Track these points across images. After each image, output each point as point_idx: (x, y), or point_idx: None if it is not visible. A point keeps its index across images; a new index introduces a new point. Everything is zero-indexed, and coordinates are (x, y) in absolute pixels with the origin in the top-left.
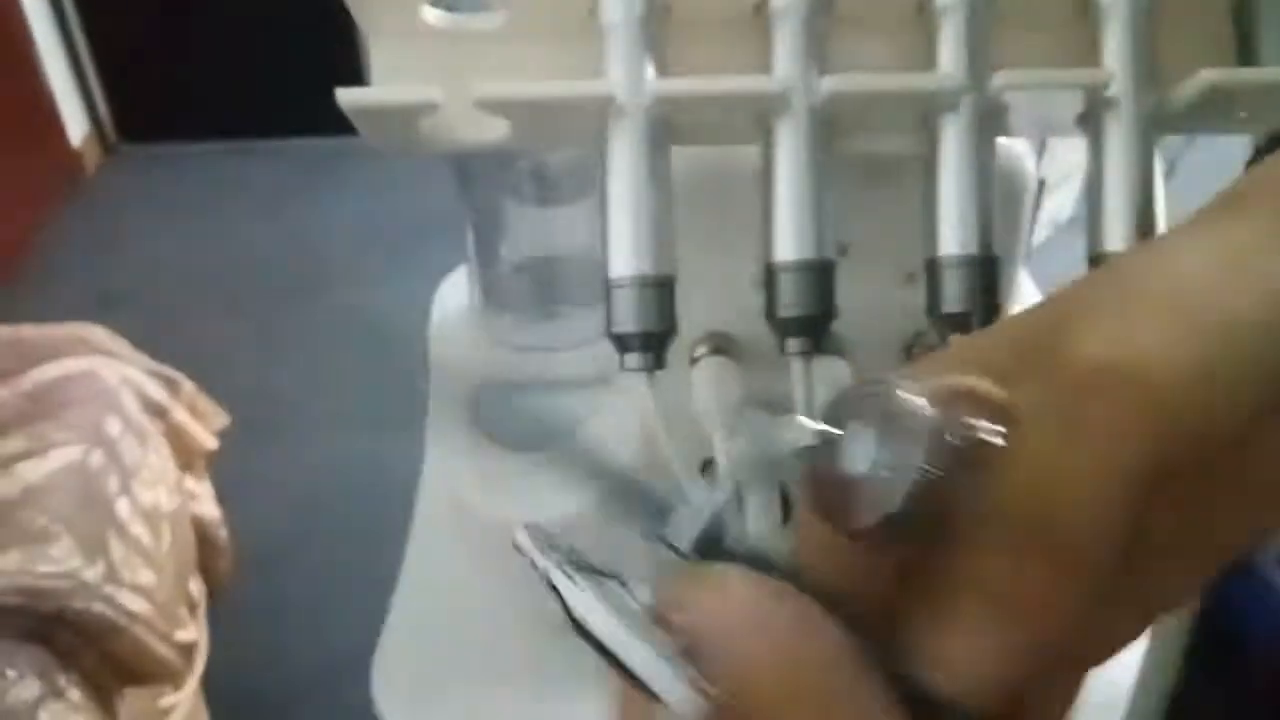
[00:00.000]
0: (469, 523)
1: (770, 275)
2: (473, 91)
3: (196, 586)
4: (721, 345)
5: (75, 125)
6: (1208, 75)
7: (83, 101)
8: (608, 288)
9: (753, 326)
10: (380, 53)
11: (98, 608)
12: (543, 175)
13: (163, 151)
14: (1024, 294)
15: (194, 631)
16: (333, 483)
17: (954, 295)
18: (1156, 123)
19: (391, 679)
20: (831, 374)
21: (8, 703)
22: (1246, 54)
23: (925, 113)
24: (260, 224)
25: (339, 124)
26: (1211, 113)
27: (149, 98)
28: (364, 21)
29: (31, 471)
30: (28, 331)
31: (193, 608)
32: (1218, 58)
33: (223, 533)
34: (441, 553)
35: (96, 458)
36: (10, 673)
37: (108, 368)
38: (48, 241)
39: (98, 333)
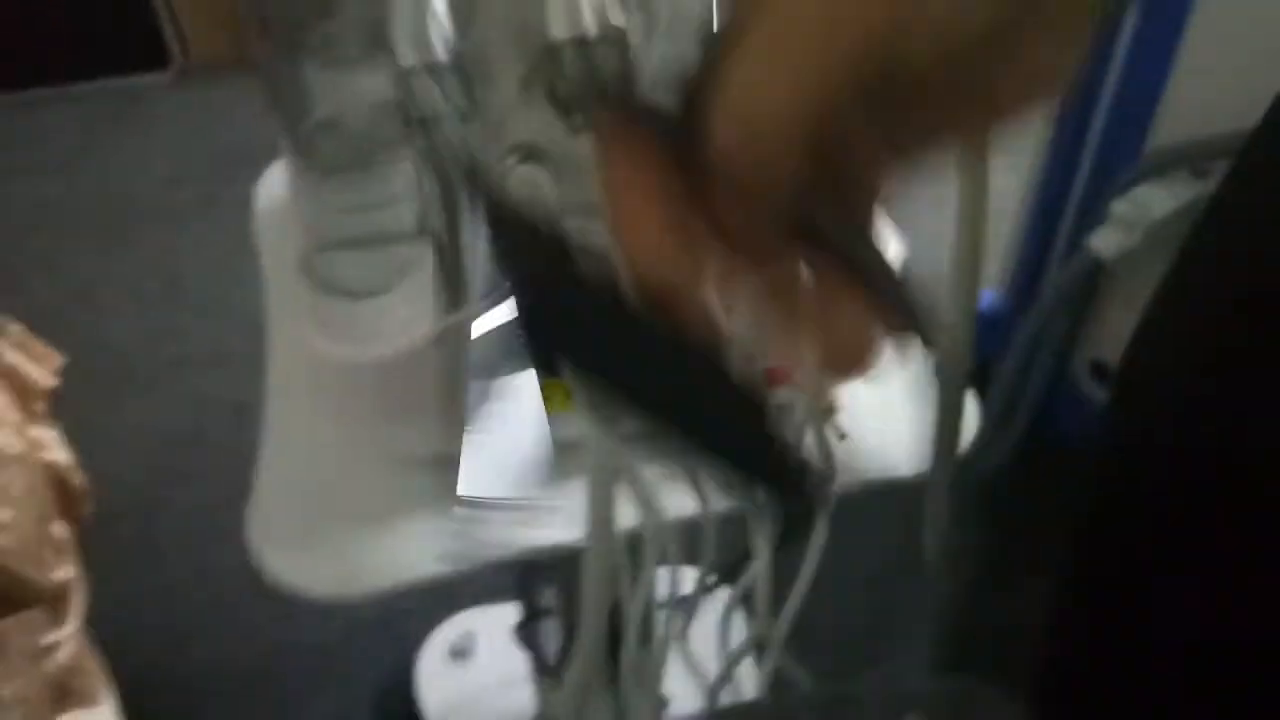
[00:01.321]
0: (318, 371)
1: (550, 53)
2: None
3: (60, 530)
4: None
5: None
6: None
7: None
8: (400, 77)
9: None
10: None
11: None
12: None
13: None
14: None
15: (67, 571)
16: (188, 424)
17: None
18: None
19: (265, 530)
20: None
21: None
22: None
23: None
24: (63, 176)
25: (138, 63)
26: None
27: None
28: None
29: None
30: None
31: (59, 551)
32: None
33: (79, 477)
34: (296, 405)
35: None
36: None
37: None
38: None
39: None
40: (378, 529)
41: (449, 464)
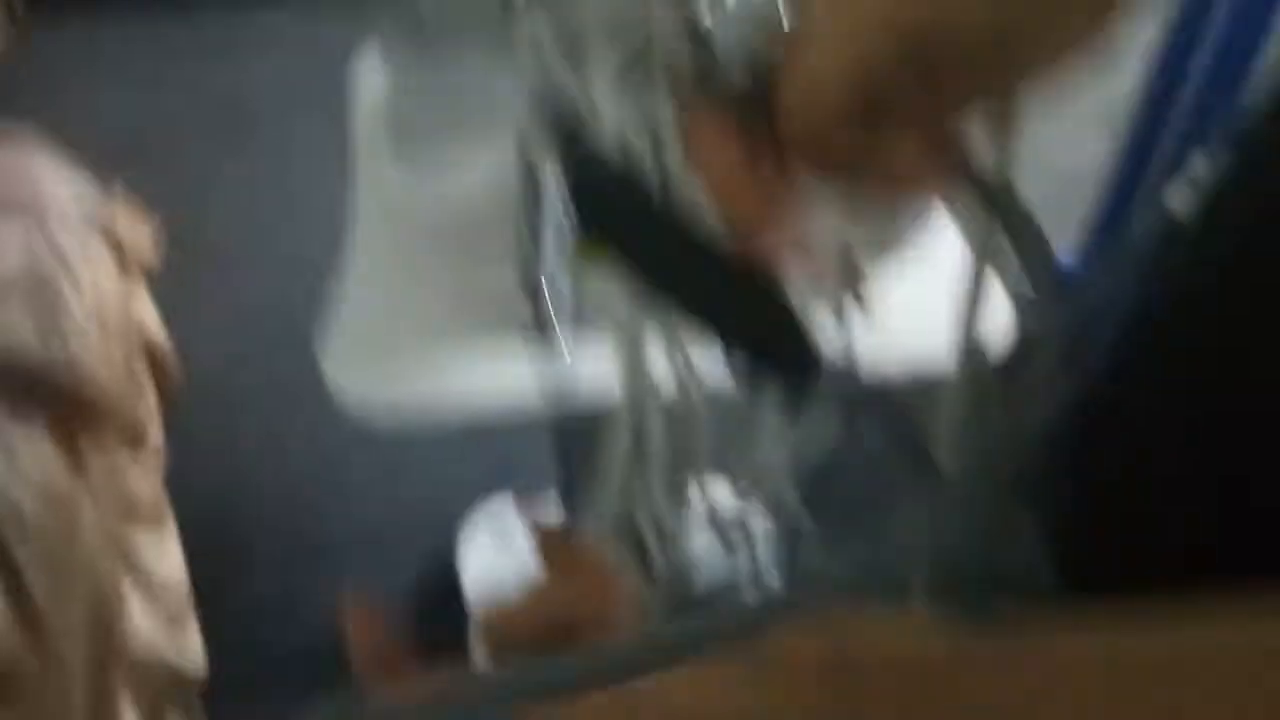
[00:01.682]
0: (394, 207)
1: None
2: None
3: (143, 375)
4: None
5: None
6: None
7: None
8: None
9: None
10: None
11: (56, 356)
12: None
13: (75, 25)
14: None
15: (146, 409)
16: (273, 315)
17: None
18: None
19: (336, 350)
20: None
21: None
22: None
23: None
24: (183, 85)
25: None
26: None
27: None
28: None
29: None
30: None
31: (141, 390)
32: None
33: (167, 346)
34: (373, 239)
35: (40, 248)
36: None
37: (43, 169)
38: None
39: (28, 136)
40: (439, 356)
41: (514, 300)
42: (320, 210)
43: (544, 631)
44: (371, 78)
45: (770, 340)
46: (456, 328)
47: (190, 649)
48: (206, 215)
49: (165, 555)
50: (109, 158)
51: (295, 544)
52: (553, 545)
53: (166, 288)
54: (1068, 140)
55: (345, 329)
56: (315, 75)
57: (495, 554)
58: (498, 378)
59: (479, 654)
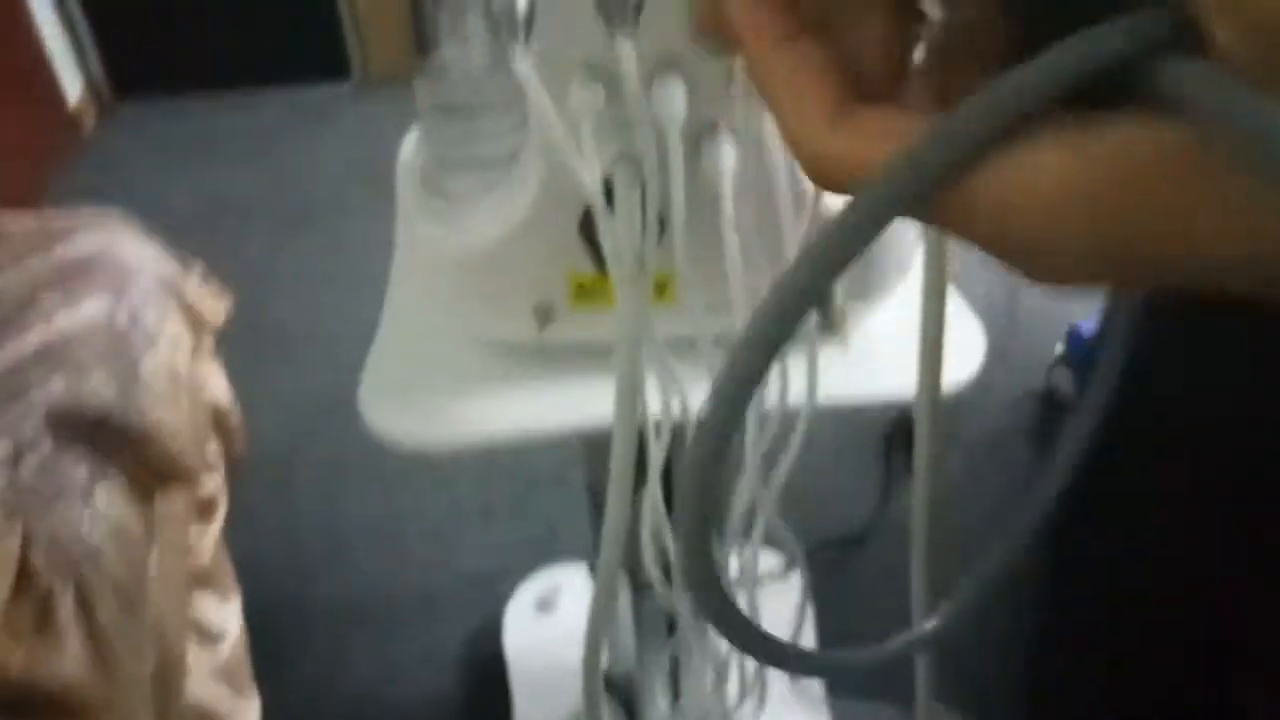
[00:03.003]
0: (424, 256)
1: None
2: None
3: (213, 451)
4: (593, 74)
5: (71, 85)
6: None
7: (77, 60)
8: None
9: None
10: None
11: (134, 419)
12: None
13: (157, 105)
14: None
15: (215, 482)
16: (333, 393)
17: None
18: None
19: (374, 391)
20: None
21: (66, 479)
22: None
23: None
24: (252, 168)
25: (323, 72)
26: None
27: (141, 53)
28: None
29: (66, 319)
30: (52, 214)
31: (211, 464)
32: None
33: (235, 415)
34: (411, 291)
35: (121, 317)
36: (66, 459)
37: (126, 244)
38: (51, 202)
39: (114, 216)
40: (463, 398)
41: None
42: (379, 289)
43: None
44: (411, 149)
45: None
46: (484, 373)
47: (248, 713)
48: (270, 294)
49: (227, 619)
50: (181, 234)
51: (349, 613)
52: None
53: (232, 363)
54: None
55: (379, 367)
56: (376, 154)
57: (540, 626)
58: (520, 417)
59: None
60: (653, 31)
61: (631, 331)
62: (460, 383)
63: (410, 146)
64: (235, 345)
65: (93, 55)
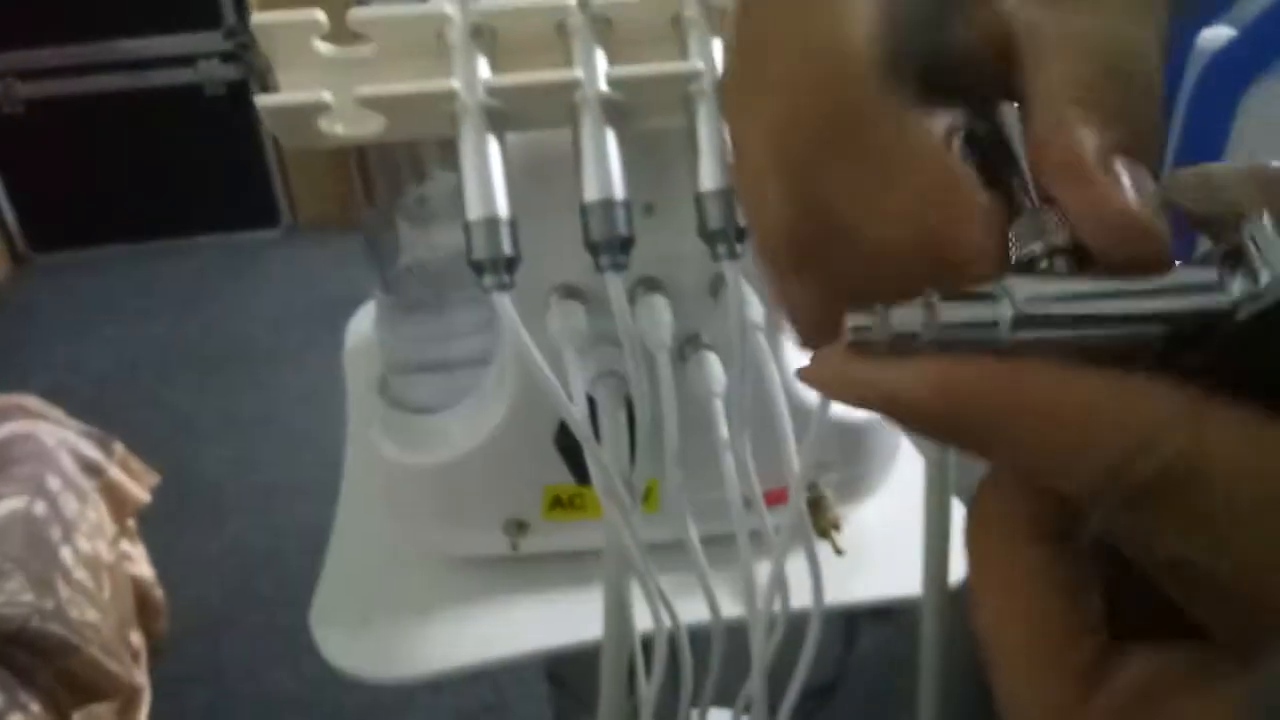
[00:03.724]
0: (384, 476)
1: (584, 212)
2: (356, 93)
3: (137, 638)
4: (570, 293)
5: None
6: None
7: None
8: (467, 229)
9: (593, 277)
10: (286, 76)
11: (54, 628)
12: (424, 198)
13: (77, 257)
14: None
15: (140, 677)
16: (265, 549)
17: (715, 217)
18: None
19: (327, 617)
20: (654, 306)
21: None
22: None
23: (682, 93)
24: (179, 318)
25: (252, 220)
26: None
27: (57, 207)
28: (272, 53)
29: None
30: None
31: (135, 657)
32: None
33: (158, 592)
34: (363, 507)
35: (40, 508)
36: None
37: (45, 430)
38: None
39: (32, 400)
40: (426, 621)
41: (491, 566)
42: (314, 441)
43: None
44: (361, 336)
45: None
46: (435, 589)
47: None
48: (199, 449)
49: None
50: (104, 390)
51: None
52: None
53: (159, 527)
54: None
55: (330, 591)
56: (306, 299)
57: None
58: (489, 640)
59: None
60: (637, 256)
61: (621, 564)
62: (422, 604)
63: (360, 332)
64: (162, 507)
65: (7, 209)
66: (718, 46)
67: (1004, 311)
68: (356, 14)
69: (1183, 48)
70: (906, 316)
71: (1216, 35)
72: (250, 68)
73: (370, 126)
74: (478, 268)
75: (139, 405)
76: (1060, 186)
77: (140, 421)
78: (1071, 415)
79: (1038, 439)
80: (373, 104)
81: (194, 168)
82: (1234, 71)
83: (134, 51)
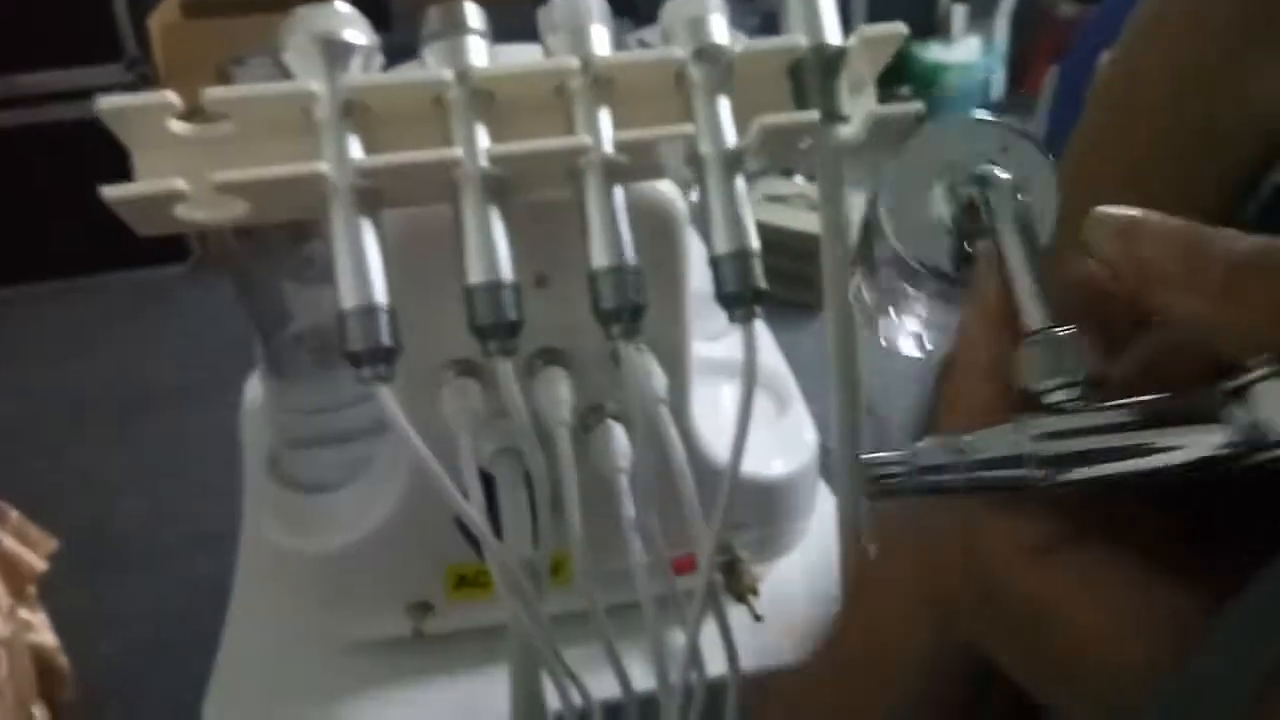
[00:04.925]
0: (279, 560)
1: (468, 295)
2: (213, 179)
3: (40, 712)
4: (465, 369)
5: None
6: (764, 121)
7: None
8: (341, 319)
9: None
10: (142, 160)
11: None
12: (310, 259)
13: None
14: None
15: None
16: (178, 609)
17: (607, 296)
18: (738, 162)
19: (223, 708)
20: (552, 380)
21: None
22: (801, 102)
23: (568, 168)
24: (84, 362)
25: (159, 256)
26: (779, 149)
27: None
28: (125, 136)
29: None
30: None
31: None
32: (779, 108)
33: (62, 660)
34: (258, 592)
35: None
36: None
37: None
38: None
39: None
40: (328, 708)
41: (394, 648)
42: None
43: None
44: (256, 399)
45: None
46: (335, 677)
47: None
48: (107, 499)
49: None
50: (4, 444)
51: None
52: None
53: (67, 584)
54: None
55: (225, 681)
56: (216, 338)
57: None
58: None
59: None
60: (533, 328)
61: (526, 653)
62: (325, 691)
63: (256, 395)
64: (70, 564)
65: None
66: (605, 118)
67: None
68: (213, 94)
69: (1084, 75)
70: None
71: None
72: None
73: (233, 210)
74: (354, 360)
75: (42, 455)
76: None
77: (44, 473)
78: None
79: None
80: (232, 190)
81: (97, 203)
82: None
83: (32, 86)
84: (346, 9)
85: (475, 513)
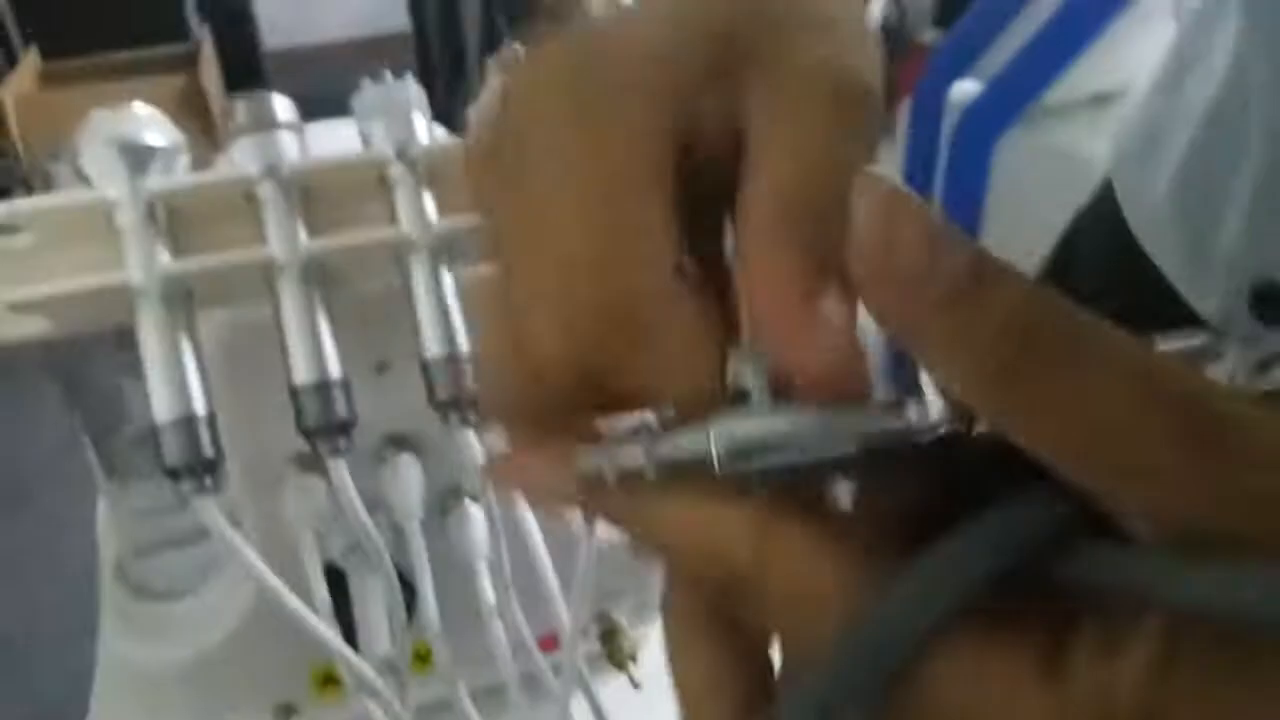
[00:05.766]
0: (131, 672)
1: (294, 396)
2: (6, 298)
3: None
4: (308, 463)
5: None
6: None
7: None
8: (156, 433)
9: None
10: None
11: None
12: None
13: None
14: None
15: None
16: (63, 701)
17: (443, 386)
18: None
19: None
20: (400, 469)
21: None
22: None
23: (395, 255)
24: None
25: None
26: None
27: None
28: None
29: None
30: None
31: None
32: None
33: None
34: (116, 704)
35: None
36: None
37: None
38: None
39: None
40: None
41: None
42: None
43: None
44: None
45: None
46: None
47: None
48: None
49: None
50: None
51: None
52: None
53: None
54: None
55: None
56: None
57: None
58: None
59: None
60: (382, 409)
61: None
62: None
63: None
64: None
65: None
66: (428, 202)
67: (712, 449)
68: (9, 208)
69: (937, 103)
70: (631, 455)
71: (965, 90)
72: (10, 174)
73: (33, 326)
74: (173, 474)
75: None
76: (763, 332)
77: None
78: (671, 535)
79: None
80: (29, 308)
81: None
82: (985, 124)
83: None
84: (146, 111)
85: (319, 622)
